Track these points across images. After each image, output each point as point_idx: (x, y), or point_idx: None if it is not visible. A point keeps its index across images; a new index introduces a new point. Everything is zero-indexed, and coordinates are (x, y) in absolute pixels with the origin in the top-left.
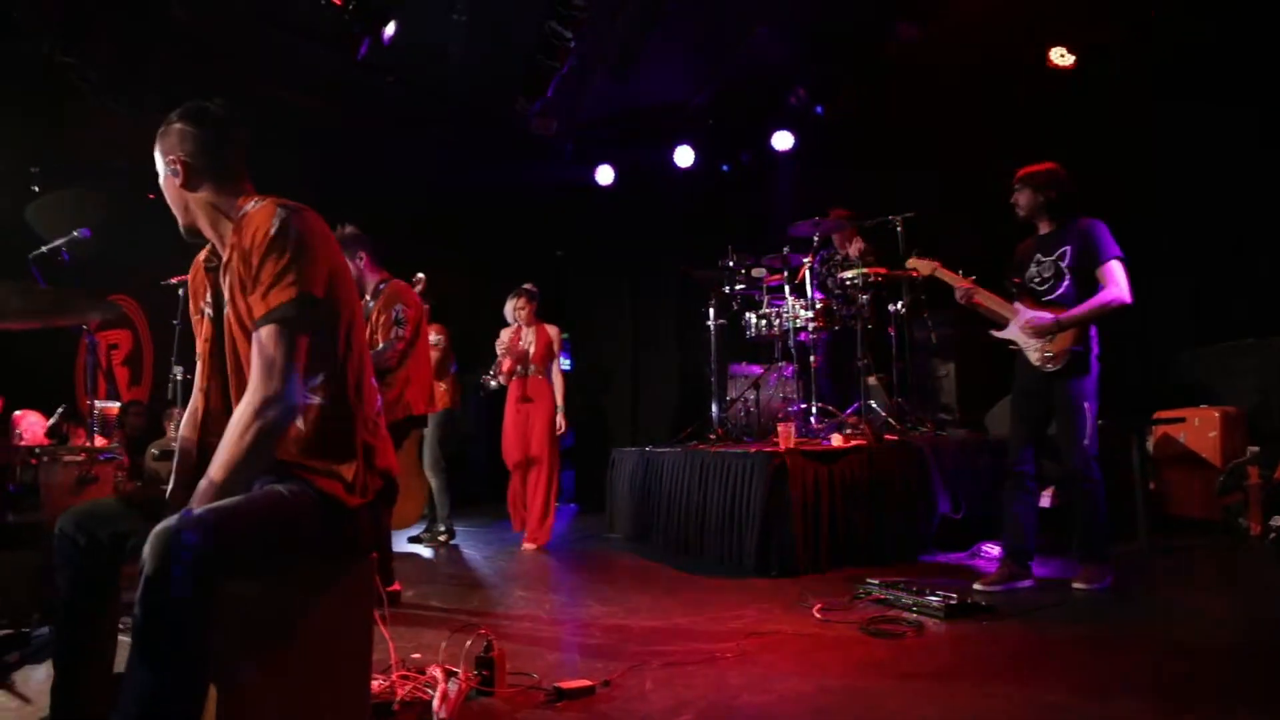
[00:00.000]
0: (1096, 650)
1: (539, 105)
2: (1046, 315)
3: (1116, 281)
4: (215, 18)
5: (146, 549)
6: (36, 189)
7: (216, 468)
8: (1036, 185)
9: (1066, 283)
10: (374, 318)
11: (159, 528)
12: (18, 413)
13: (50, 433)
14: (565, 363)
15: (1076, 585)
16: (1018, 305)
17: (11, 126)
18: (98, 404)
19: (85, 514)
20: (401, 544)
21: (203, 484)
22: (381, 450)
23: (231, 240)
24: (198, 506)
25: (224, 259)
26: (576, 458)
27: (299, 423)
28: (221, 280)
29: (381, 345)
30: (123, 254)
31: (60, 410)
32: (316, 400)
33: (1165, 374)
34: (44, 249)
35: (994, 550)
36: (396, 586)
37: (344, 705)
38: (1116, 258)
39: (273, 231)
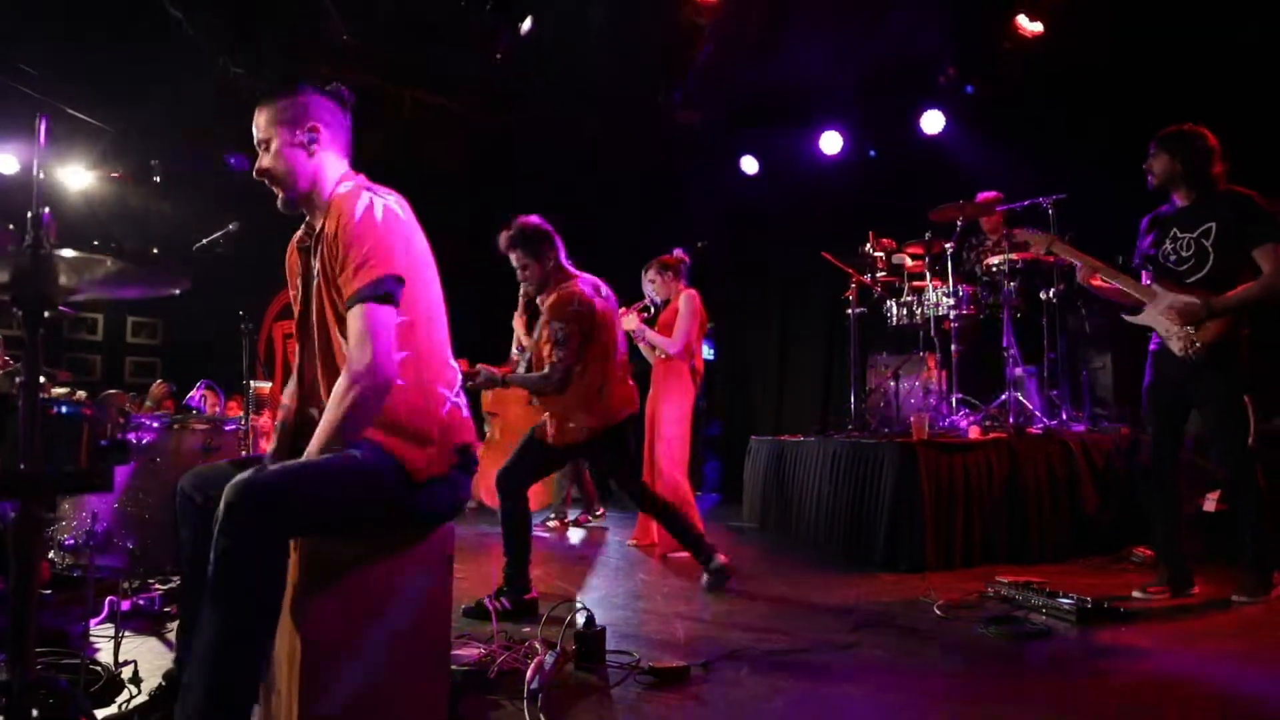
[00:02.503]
0: (1243, 670)
1: (679, 96)
2: (1194, 299)
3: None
4: (367, 29)
5: (222, 500)
6: (157, 179)
7: (314, 441)
8: (1174, 149)
9: (1211, 264)
10: (540, 330)
11: (233, 481)
12: None
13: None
14: (708, 351)
15: (1235, 598)
16: (1155, 288)
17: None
18: (253, 384)
19: (202, 475)
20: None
21: (310, 448)
22: (458, 428)
23: (323, 221)
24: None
25: (315, 235)
26: (721, 447)
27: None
28: (312, 258)
29: (546, 369)
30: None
31: (199, 385)
32: (398, 380)
33: None
34: (204, 241)
35: (1146, 553)
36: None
37: (424, 666)
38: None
39: (357, 216)
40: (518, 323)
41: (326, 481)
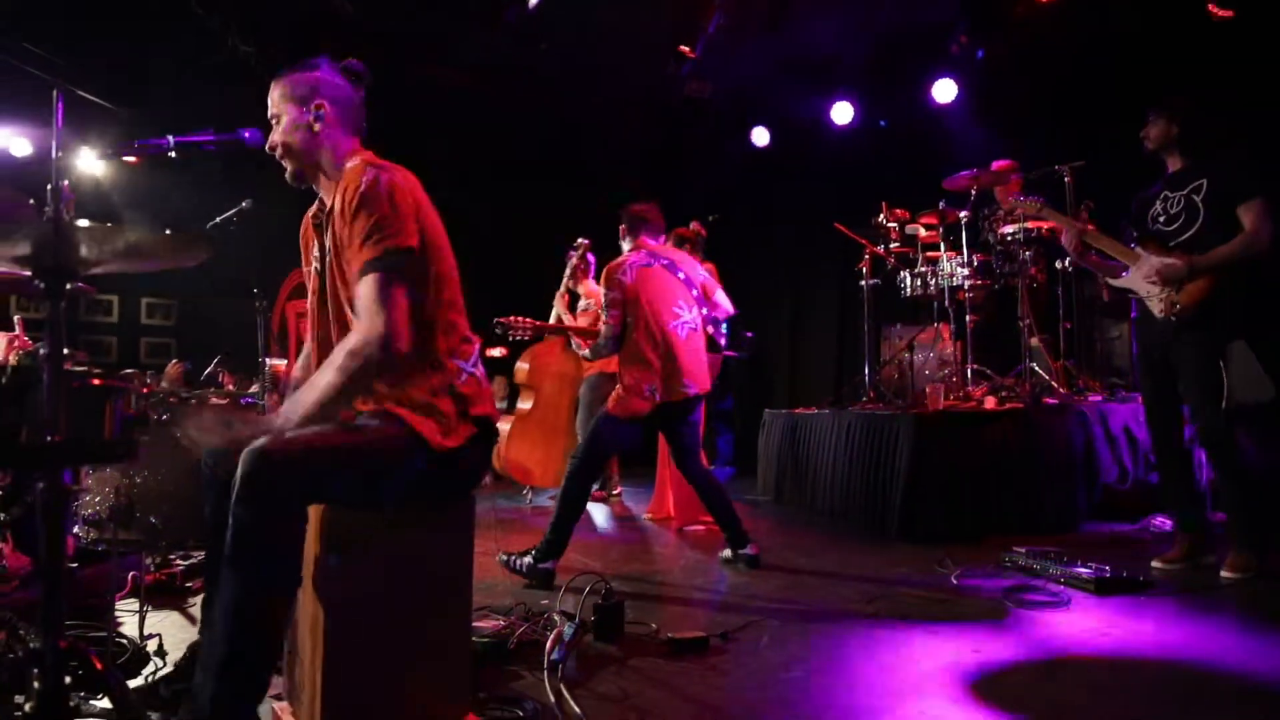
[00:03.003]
0: (1263, 642)
1: (688, 68)
2: (1176, 260)
3: (1261, 221)
4: (375, 5)
5: (239, 468)
6: (173, 155)
7: (307, 399)
8: (1172, 113)
9: (1202, 220)
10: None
11: (250, 448)
12: None
13: (207, 379)
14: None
15: (1224, 575)
16: (1139, 250)
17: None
18: (268, 361)
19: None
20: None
21: (290, 407)
22: (476, 398)
23: (332, 198)
24: (281, 426)
25: (326, 212)
26: (735, 420)
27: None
28: (324, 235)
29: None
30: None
31: (217, 359)
32: (409, 349)
33: None
34: (217, 220)
35: (1166, 524)
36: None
37: (446, 637)
38: (1263, 195)
39: (363, 189)
40: (559, 303)
41: (343, 450)
